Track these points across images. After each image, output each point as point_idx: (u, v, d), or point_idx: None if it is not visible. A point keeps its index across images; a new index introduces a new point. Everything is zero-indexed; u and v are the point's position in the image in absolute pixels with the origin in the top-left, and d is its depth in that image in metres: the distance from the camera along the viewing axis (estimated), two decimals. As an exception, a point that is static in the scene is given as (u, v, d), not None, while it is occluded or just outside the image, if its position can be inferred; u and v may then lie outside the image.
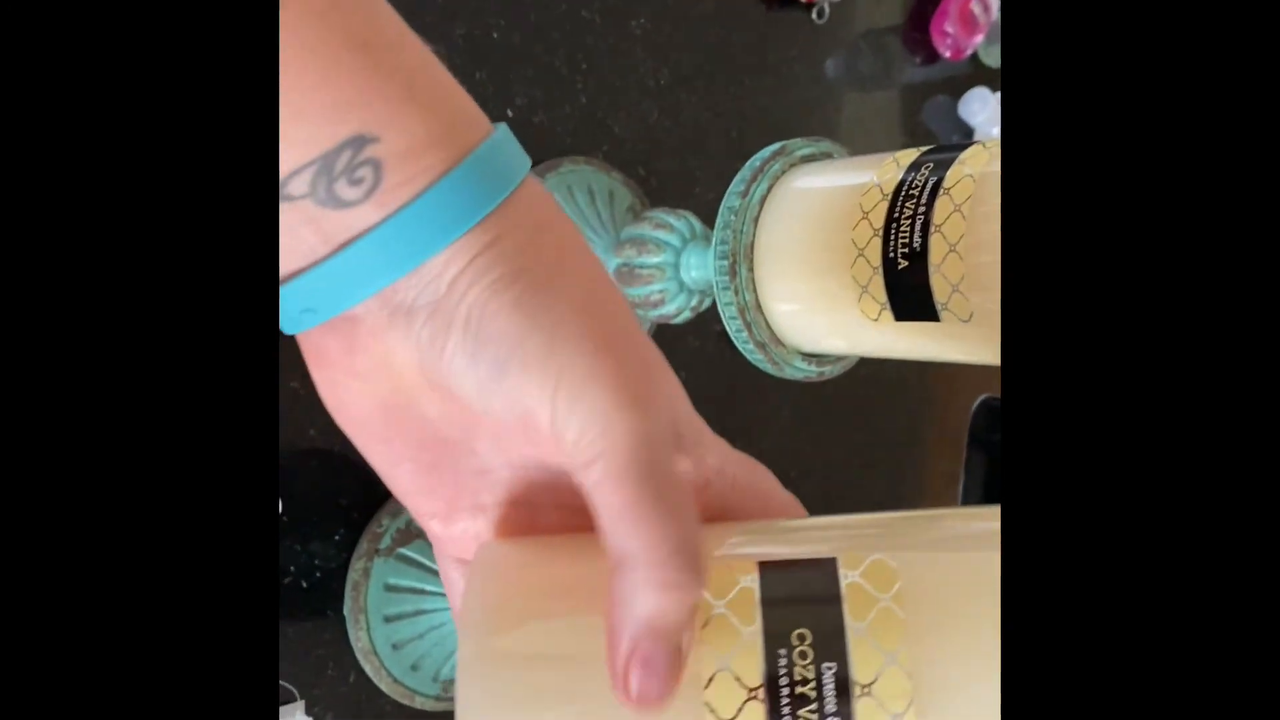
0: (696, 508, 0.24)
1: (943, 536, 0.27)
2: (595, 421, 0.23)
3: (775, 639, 0.25)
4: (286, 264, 0.23)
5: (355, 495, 0.53)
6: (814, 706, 0.24)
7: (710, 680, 0.25)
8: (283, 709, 0.50)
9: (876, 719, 0.24)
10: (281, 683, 0.50)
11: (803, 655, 0.24)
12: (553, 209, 0.25)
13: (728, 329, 0.46)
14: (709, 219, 0.66)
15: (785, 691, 0.24)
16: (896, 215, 0.39)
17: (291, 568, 0.51)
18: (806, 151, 0.46)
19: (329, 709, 0.52)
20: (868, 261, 0.40)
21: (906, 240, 0.39)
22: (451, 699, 0.56)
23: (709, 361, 0.69)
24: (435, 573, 0.54)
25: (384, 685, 0.53)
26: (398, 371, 0.24)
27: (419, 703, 0.54)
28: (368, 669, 0.53)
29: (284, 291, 0.23)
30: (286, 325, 0.24)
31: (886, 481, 0.84)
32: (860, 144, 0.79)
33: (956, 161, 0.39)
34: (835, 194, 0.43)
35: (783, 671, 0.24)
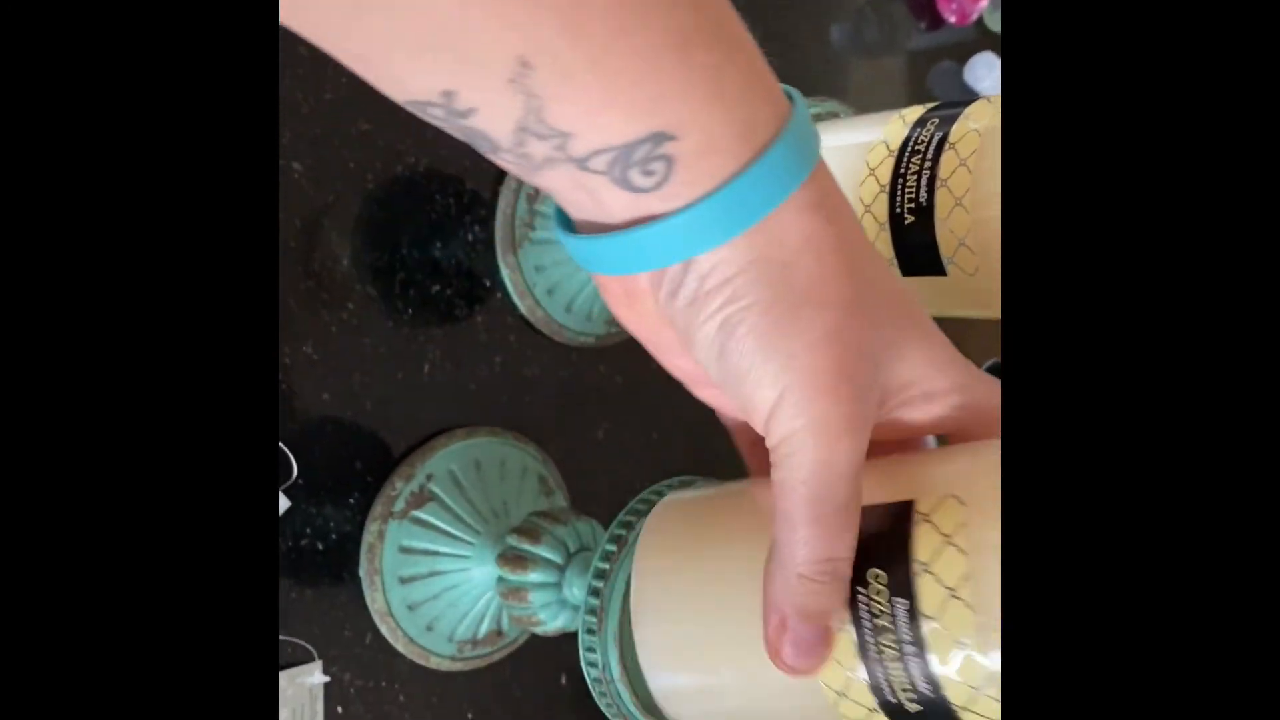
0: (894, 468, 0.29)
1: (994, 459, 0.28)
2: (796, 441, 0.26)
3: (857, 579, 0.28)
4: (574, 212, 0.27)
5: (369, 459, 0.54)
6: (892, 636, 0.27)
7: None
8: (300, 668, 0.51)
9: (947, 645, 0.27)
10: (300, 642, 0.51)
11: (879, 592, 0.27)
12: (825, 213, 0.26)
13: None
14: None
15: (867, 624, 0.28)
16: (903, 171, 0.40)
17: (307, 530, 0.52)
18: (813, 111, 0.46)
19: (346, 669, 0.53)
20: (874, 218, 0.41)
21: (913, 196, 0.39)
22: (465, 659, 0.57)
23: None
24: (449, 535, 0.54)
25: (400, 646, 0.54)
26: (662, 324, 0.28)
27: (434, 662, 0.55)
28: (384, 630, 0.54)
29: (573, 240, 0.27)
30: (578, 259, 0.28)
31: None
32: (866, 110, 0.79)
33: (962, 116, 0.39)
34: (842, 152, 0.43)
35: (863, 606, 0.28)
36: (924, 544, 0.27)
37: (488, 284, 0.58)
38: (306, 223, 0.51)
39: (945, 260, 0.39)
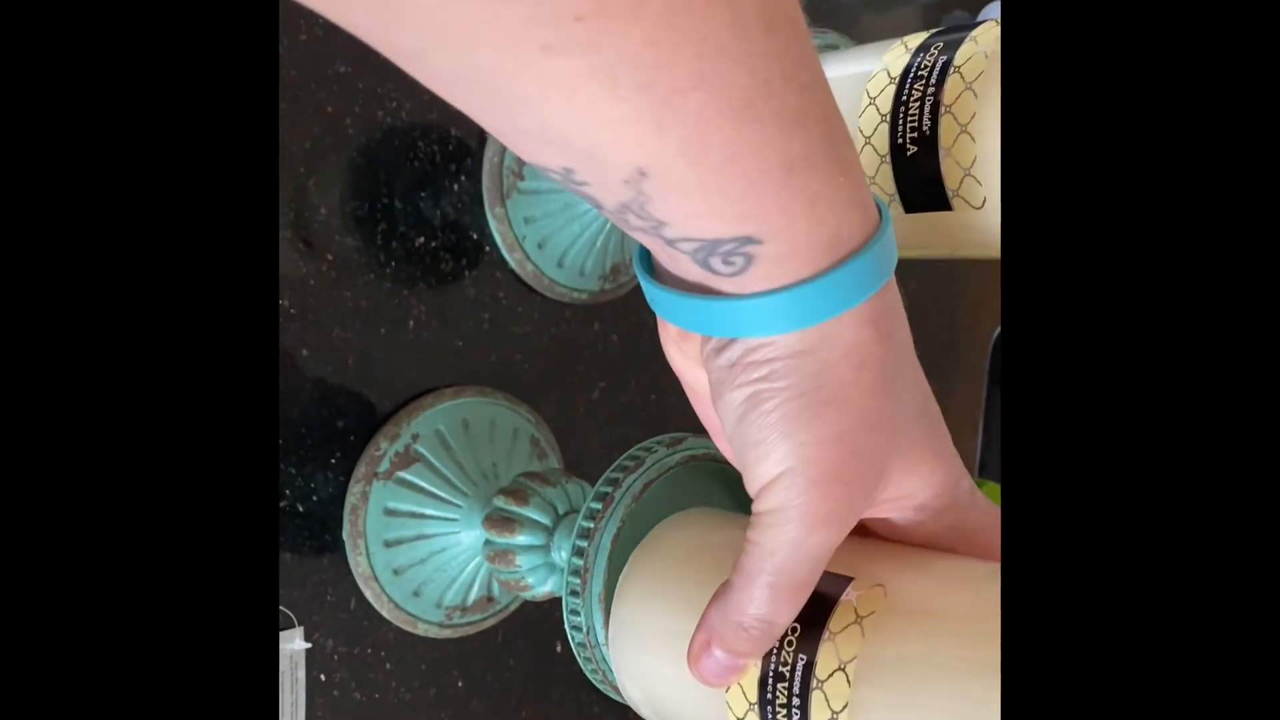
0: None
1: (944, 575, 0.31)
2: (781, 516, 0.29)
3: None
4: (655, 256, 0.29)
5: (352, 417, 0.52)
6: (785, 685, 0.30)
7: None
8: (281, 634, 0.49)
9: (823, 710, 0.30)
10: (281, 609, 0.49)
11: (790, 643, 0.30)
12: (880, 329, 0.28)
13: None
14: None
15: (772, 666, 0.31)
16: (904, 98, 0.37)
17: (287, 492, 0.50)
18: (813, 42, 0.44)
19: (329, 635, 0.51)
20: (875, 150, 0.38)
21: (915, 124, 0.37)
22: (454, 625, 0.55)
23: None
24: (437, 497, 0.52)
25: (385, 611, 0.52)
26: (703, 371, 0.30)
27: (421, 629, 0.53)
28: (368, 594, 0.52)
29: (647, 282, 0.29)
30: (648, 297, 0.30)
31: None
32: (875, 60, 0.76)
33: (968, 39, 0.37)
34: (840, 83, 0.40)
35: (774, 653, 0.31)
36: (840, 617, 0.30)
37: (475, 237, 0.56)
38: (282, 170, 0.49)
39: (949, 193, 0.36)
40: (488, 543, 0.49)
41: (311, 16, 0.49)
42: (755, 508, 0.30)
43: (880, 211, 0.28)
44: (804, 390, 0.27)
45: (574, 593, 0.39)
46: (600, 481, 0.40)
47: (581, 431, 0.60)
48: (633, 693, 0.37)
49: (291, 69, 0.49)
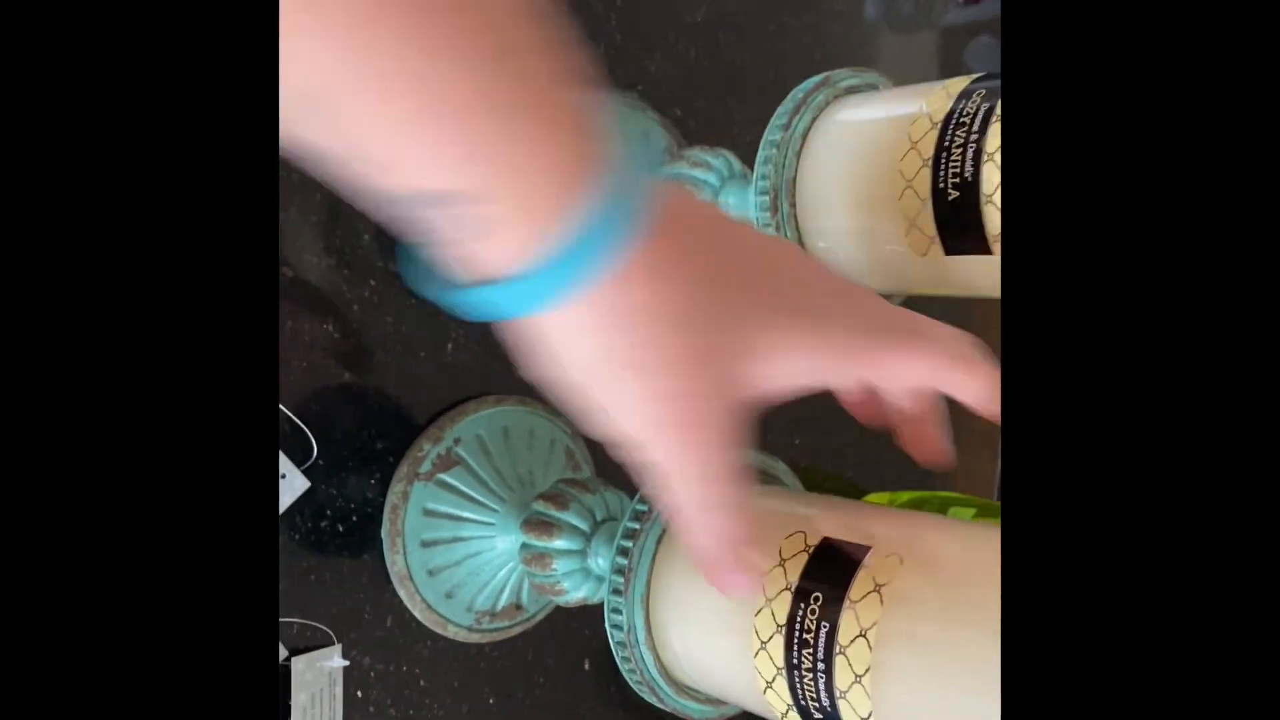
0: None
1: (959, 538, 0.34)
2: (665, 482, 0.30)
3: (800, 594, 0.34)
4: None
5: (392, 437, 0.53)
6: (810, 650, 0.32)
7: (758, 611, 0.35)
8: (319, 652, 0.50)
9: (847, 676, 0.32)
10: (319, 626, 0.50)
11: (812, 611, 0.33)
12: (654, 278, 0.27)
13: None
14: (747, 159, 0.65)
15: (796, 635, 0.33)
16: (947, 144, 0.38)
17: (327, 512, 0.51)
18: (852, 83, 0.45)
19: (365, 653, 0.52)
20: (916, 194, 0.39)
21: (958, 170, 0.38)
22: (482, 630, 0.56)
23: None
24: (475, 500, 0.53)
25: (417, 612, 0.53)
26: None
27: (451, 631, 0.54)
28: (402, 594, 0.53)
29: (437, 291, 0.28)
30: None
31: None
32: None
33: (1010, 88, 0.38)
34: (882, 125, 0.41)
35: (798, 620, 0.33)
36: (860, 585, 0.32)
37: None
38: (327, 197, 0.50)
39: (990, 238, 0.37)
40: (525, 546, 0.50)
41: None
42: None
43: (609, 150, 0.27)
44: (602, 360, 0.28)
45: (616, 591, 0.40)
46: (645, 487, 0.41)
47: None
48: (677, 651, 0.40)
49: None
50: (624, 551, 0.40)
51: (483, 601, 0.55)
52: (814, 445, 0.73)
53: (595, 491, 0.49)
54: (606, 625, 0.41)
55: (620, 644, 0.41)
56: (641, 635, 0.40)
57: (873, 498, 0.79)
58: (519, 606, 0.57)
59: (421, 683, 0.54)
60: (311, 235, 0.49)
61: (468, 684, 0.56)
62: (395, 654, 0.53)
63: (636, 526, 0.40)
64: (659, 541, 0.40)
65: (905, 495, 0.78)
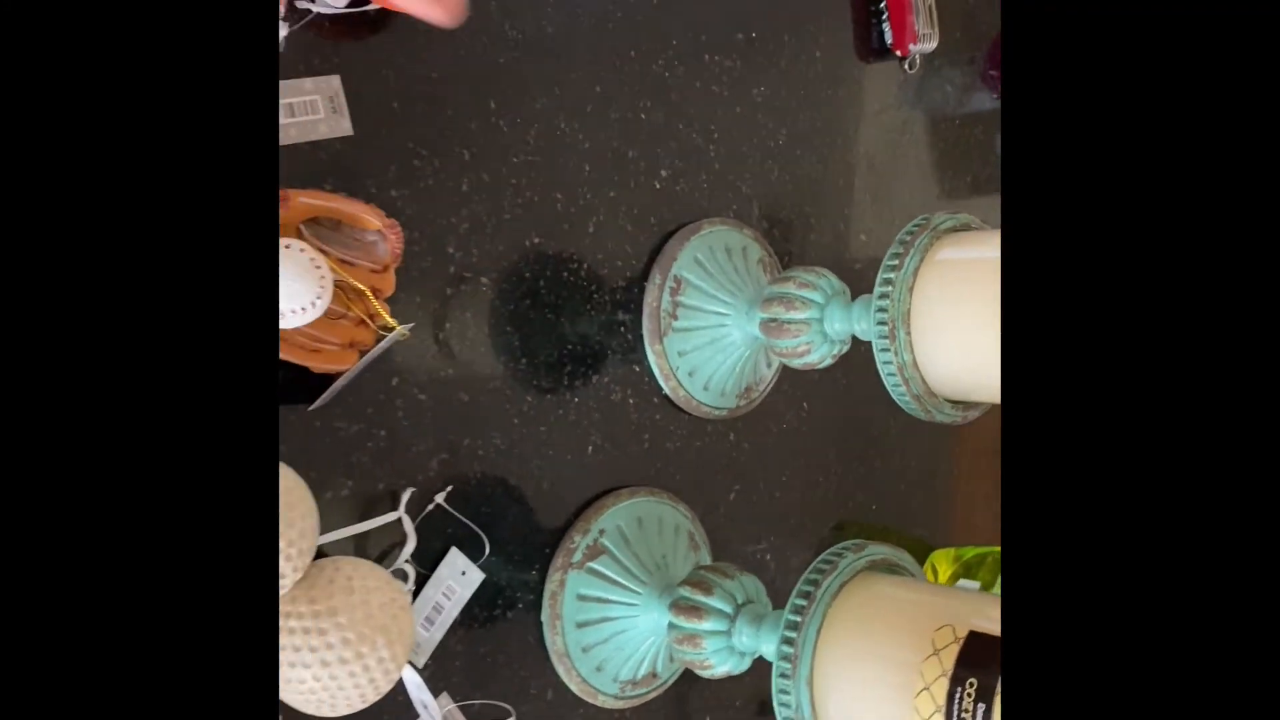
0: None
1: None
2: None
3: (956, 680, 0.42)
4: None
5: (547, 532, 0.60)
6: None
7: (918, 693, 0.43)
8: (499, 722, 0.58)
9: None
10: (500, 704, 0.57)
11: (969, 695, 0.41)
12: None
13: (885, 384, 0.53)
14: (822, 260, 0.73)
15: (955, 714, 0.41)
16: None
17: (498, 601, 0.58)
18: (949, 224, 0.53)
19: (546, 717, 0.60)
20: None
21: None
22: (625, 698, 0.63)
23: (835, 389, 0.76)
24: (620, 585, 0.61)
25: (573, 685, 0.61)
26: None
27: (600, 700, 0.62)
28: (559, 670, 0.60)
29: None
30: None
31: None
32: (957, 176, 0.85)
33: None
34: (981, 264, 0.49)
35: (956, 701, 0.41)
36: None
37: (637, 369, 0.65)
38: (493, 329, 0.58)
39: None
40: (674, 627, 0.57)
41: (515, 196, 0.58)
42: None
43: None
44: None
45: (784, 675, 0.48)
46: (801, 583, 0.49)
47: (722, 526, 0.69)
48: None
49: (500, 243, 0.58)
50: (788, 640, 0.48)
51: (626, 673, 0.63)
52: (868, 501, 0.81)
53: (734, 577, 0.57)
54: (775, 704, 0.49)
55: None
56: (807, 711, 0.47)
57: (938, 555, 0.86)
58: (654, 675, 0.64)
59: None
60: (481, 363, 0.57)
61: (614, 745, 0.64)
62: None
63: (798, 618, 0.48)
64: (818, 631, 0.48)
65: (970, 551, 0.85)
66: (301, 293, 0.45)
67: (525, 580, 0.60)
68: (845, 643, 0.47)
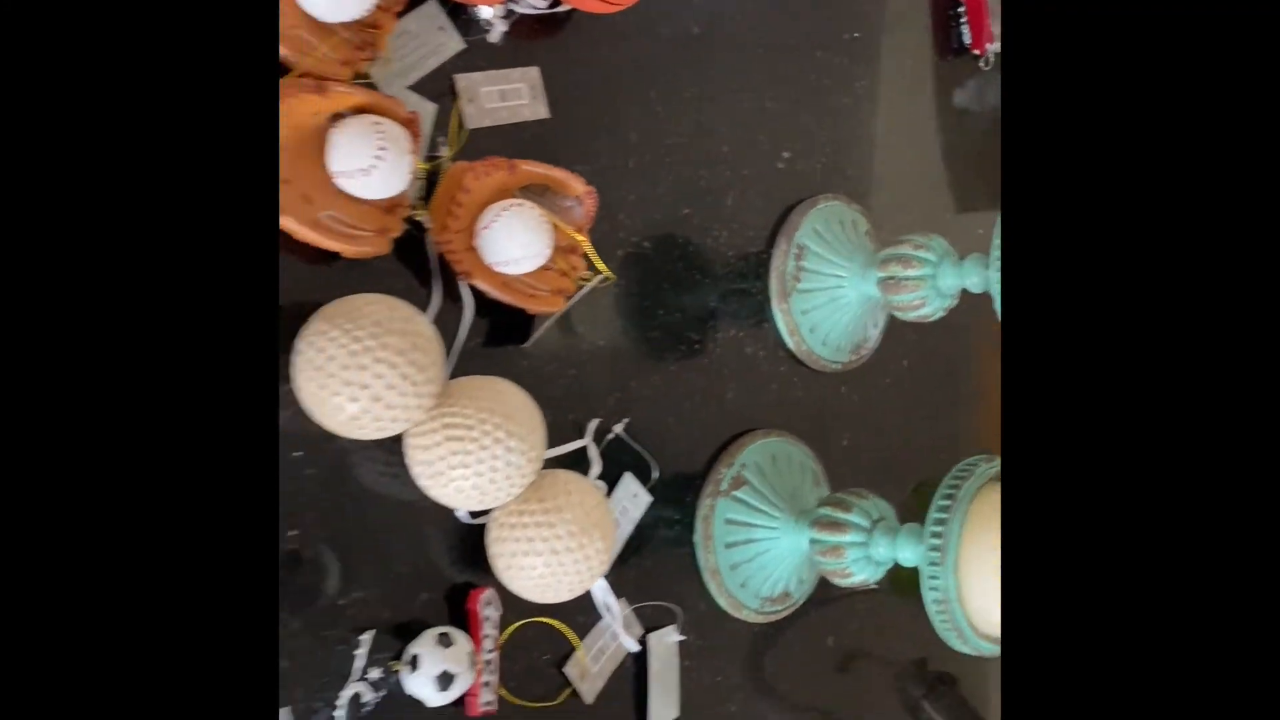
0: None
1: None
2: None
3: None
4: None
5: (701, 461, 0.69)
6: None
7: None
8: (666, 630, 0.66)
9: None
10: (668, 605, 0.66)
11: None
12: None
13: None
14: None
15: None
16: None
17: (659, 523, 0.67)
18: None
19: (688, 630, 0.68)
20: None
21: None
22: (764, 613, 0.72)
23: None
24: (761, 510, 0.70)
25: (721, 599, 0.70)
26: None
27: (744, 614, 0.71)
28: (711, 586, 0.69)
29: None
30: None
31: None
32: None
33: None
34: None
35: None
36: None
37: (765, 326, 0.74)
38: (654, 286, 0.67)
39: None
40: (815, 542, 0.66)
41: (670, 166, 0.68)
42: None
43: None
44: None
45: (933, 564, 0.57)
46: (943, 486, 0.58)
47: (838, 468, 0.78)
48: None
49: (656, 211, 0.67)
50: (936, 534, 0.57)
51: (765, 590, 0.71)
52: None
53: (868, 498, 0.66)
54: (923, 589, 0.57)
55: (937, 601, 0.57)
56: (954, 593, 0.56)
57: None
58: (788, 594, 0.73)
59: (724, 654, 0.71)
60: (637, 319, 0.66)
61: (751, 656, 0.72)
62: (705, 632, 0.70)
63: (944, 514, 0.57)
64: (961, 525, 0.57)
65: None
66: (533, 243, 0.54)
67: (681, 505, 0.69)
68: (982, 536, 0.56)
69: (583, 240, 0.57)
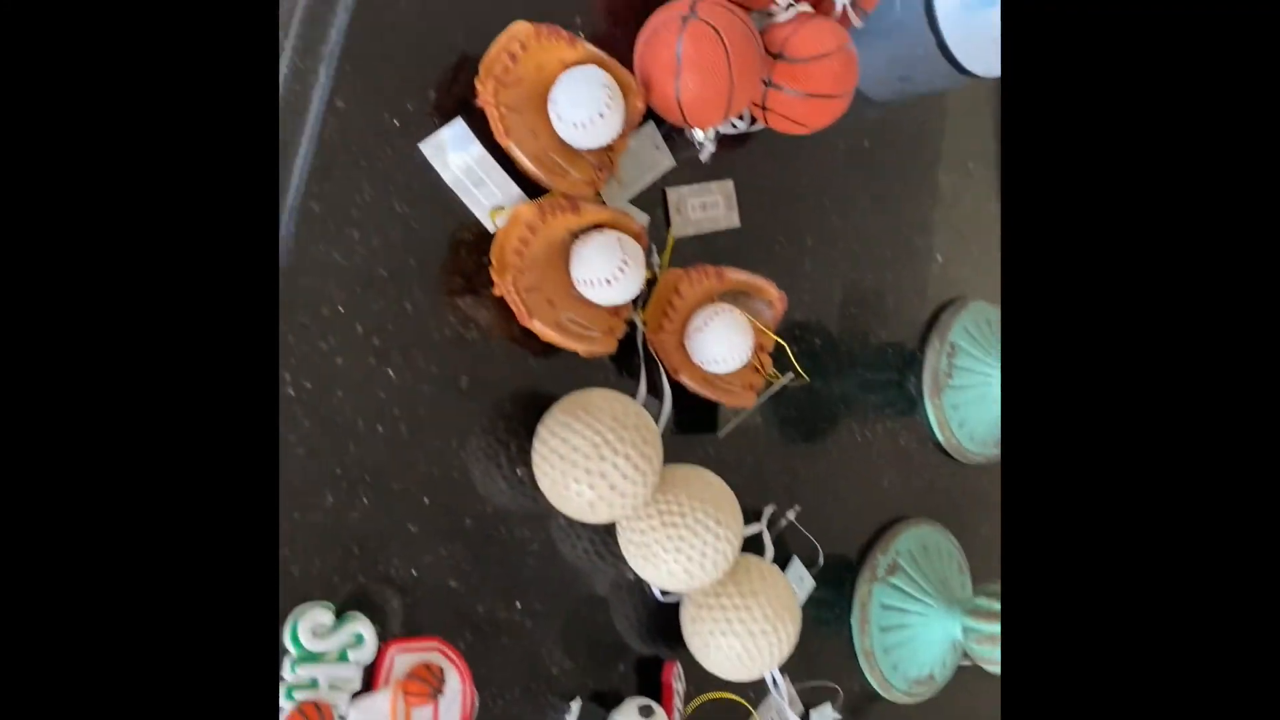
0: None
1: None
2: None
3: None
4: None
5: (853, 550, 0.73)
6: None
7: None
8: (821, 708, 0.70)
9: None
10: (830, 684, 0.70)
11: None
12: None
13: None
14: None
15: None
16: None
17: (818, 605, 0.71)
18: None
19: (844, 708, 0.72)
20: None
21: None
22: (910, 694, 0.75)
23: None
24: (914, 597, 0.73)
25: (874, 680, 0.73)
26: None
27: (893, 695, 0.74)
28: (865, 666, 0.73)
29: None
30: None
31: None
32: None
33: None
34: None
35: None
36: None
37: (919, 420, 0.78)
38: (824, 377, 0.72)
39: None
40: (970, 630, 0.69)
41: (842, 270, 0.72)
42: None
43: None
44: None
45: None
46: None
47: (978, 557, 0.81)
48: None
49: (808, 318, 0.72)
50: None
51: (914, 672, 0.75)
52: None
53: None
54: None
55: None
56: None
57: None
58: (933, 677, 0.76)
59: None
60: (815, 402, 0.71)
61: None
62: (858, 711, 0.73)
63: None
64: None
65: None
66: (738, 345, 0.59)
67: (839, 587, 0.73)
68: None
69: (784, 344, 0.62)
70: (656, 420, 0.61)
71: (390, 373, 0.53)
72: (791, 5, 0.60)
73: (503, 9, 0.56)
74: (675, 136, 0.63)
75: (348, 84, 0.51)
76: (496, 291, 0.53)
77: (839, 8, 0.62)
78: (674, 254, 0.63)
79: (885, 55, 0.70)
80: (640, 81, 0.57)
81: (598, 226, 0.56)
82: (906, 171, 0.77)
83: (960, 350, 0.78)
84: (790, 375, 0.64)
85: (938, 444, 0.79)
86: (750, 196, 0.68)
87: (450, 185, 0.53)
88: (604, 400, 0.54)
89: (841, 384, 0.73)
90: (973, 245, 0.82)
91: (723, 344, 0.59)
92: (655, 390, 0.62)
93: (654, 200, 0.63)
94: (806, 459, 0.71)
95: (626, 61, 0.58)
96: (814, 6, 0.62)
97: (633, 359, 0.61)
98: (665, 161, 0.63)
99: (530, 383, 0.57)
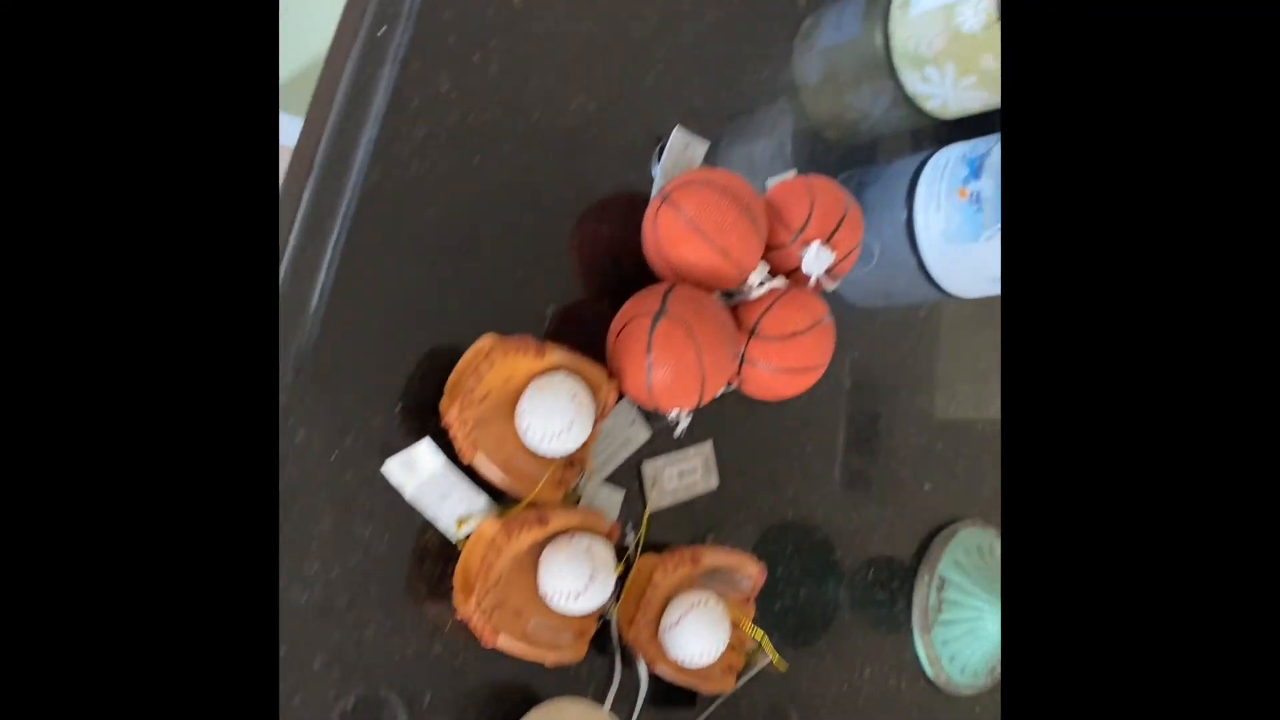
0: None
1: None
2: None
3: None
4: None
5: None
6: None
7: None
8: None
9: None
10: None
11: None
12: None
13: None
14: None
15: None
16: None
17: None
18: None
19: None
20: None
21: None
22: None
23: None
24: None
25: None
26: None
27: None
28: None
29: None
30: None
31: None
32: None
33: None
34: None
35: None
36: None
37: (908, 657, 0.76)
38: (818, 630, 0.69)
39: None
40: None
41: (818, 522, 0.71)
42: None
43: None
44: None
45: None
46: None
47: (973, 795, 0.79)
48: None
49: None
50: None
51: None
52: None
53: None
54: None
55: None
56: None
57: None
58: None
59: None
60: (805, 661, 0.69)
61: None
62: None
63: None
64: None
65: None
66: (714, 638, 0.57)
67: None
68: None
69: (761, 636, 0.60)
70: (633, 709, 0.58)
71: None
72: (765, 283, 0.59)
73: (471, 312, 0.55)
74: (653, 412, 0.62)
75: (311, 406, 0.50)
76: (459, 616, 0.51)
77: (812, 280, 0.61)
78: (651, 522, 0.61)
79: (869, 278, 0.70)
80: (613, 370, 0.56)
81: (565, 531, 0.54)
82: (887, 407, 0.76)
83: (950, 584, 0.76)
84: (767, 660, 0.62)
85: (930, 682, 0.76)
86: (730, 451, 0.66)
87: (410, 502, 0.52)
88: (571, 707, 0.52)
89: (829, 635, 0.71)
90: (959, 468, 0.80)
91: (700, 641, 0.57)
92: (630, 673, 0.60)
93: (631, 473, 0.61)
94: (799, 703, 0.68)
95: (601, 341, 0.57)
96: (787, 277, 0.61)
97: (607, 645, 0.59)
98: (641, 435, 0.61)
99: (498, 690, 0.55)
